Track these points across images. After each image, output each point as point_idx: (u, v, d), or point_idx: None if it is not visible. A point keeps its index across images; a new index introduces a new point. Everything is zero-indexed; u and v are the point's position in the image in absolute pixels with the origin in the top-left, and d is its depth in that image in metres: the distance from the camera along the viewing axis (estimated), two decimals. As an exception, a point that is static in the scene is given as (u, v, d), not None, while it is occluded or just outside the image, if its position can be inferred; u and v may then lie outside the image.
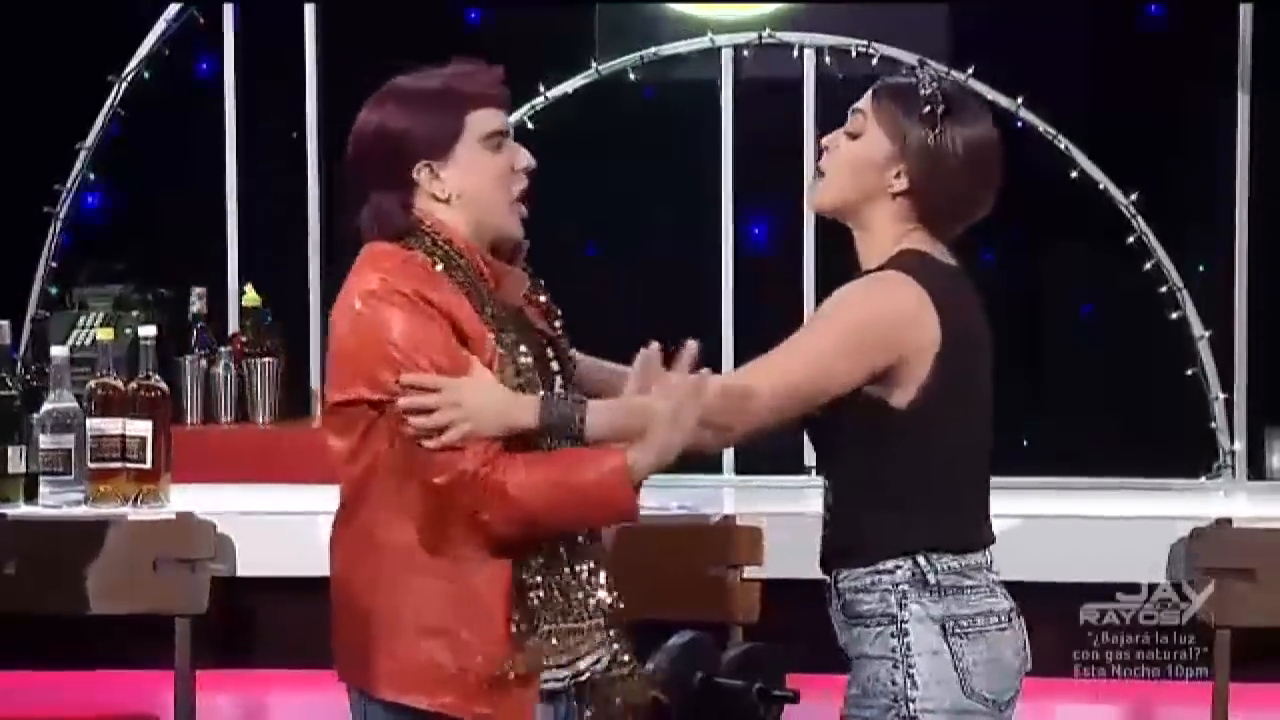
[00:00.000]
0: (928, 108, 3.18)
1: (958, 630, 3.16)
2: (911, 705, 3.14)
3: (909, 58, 5.31)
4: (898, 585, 3.17)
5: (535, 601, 3.13)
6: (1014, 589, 3.28)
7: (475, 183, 3.19)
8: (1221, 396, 5.30)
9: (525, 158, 3.24)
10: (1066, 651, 4.27)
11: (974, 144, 3.20)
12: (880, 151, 3.21)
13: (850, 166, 3.23)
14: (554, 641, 3.15)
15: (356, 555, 3.18)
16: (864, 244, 3.27)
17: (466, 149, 3.19)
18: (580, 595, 3.20)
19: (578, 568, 3.20)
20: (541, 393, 3.15)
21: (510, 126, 3.26)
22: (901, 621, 3.16)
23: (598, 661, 3.22)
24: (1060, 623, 4.27)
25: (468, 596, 3.12)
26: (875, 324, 3.15)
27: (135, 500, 4.44)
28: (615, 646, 3.23)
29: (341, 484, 3.21)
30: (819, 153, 3.30)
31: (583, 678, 3.20)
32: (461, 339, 3.12)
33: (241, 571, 4.31)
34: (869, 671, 3.18)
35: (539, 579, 3.14)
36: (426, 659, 3.11)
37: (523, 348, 3.18)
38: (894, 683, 3.15)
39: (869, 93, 3.25)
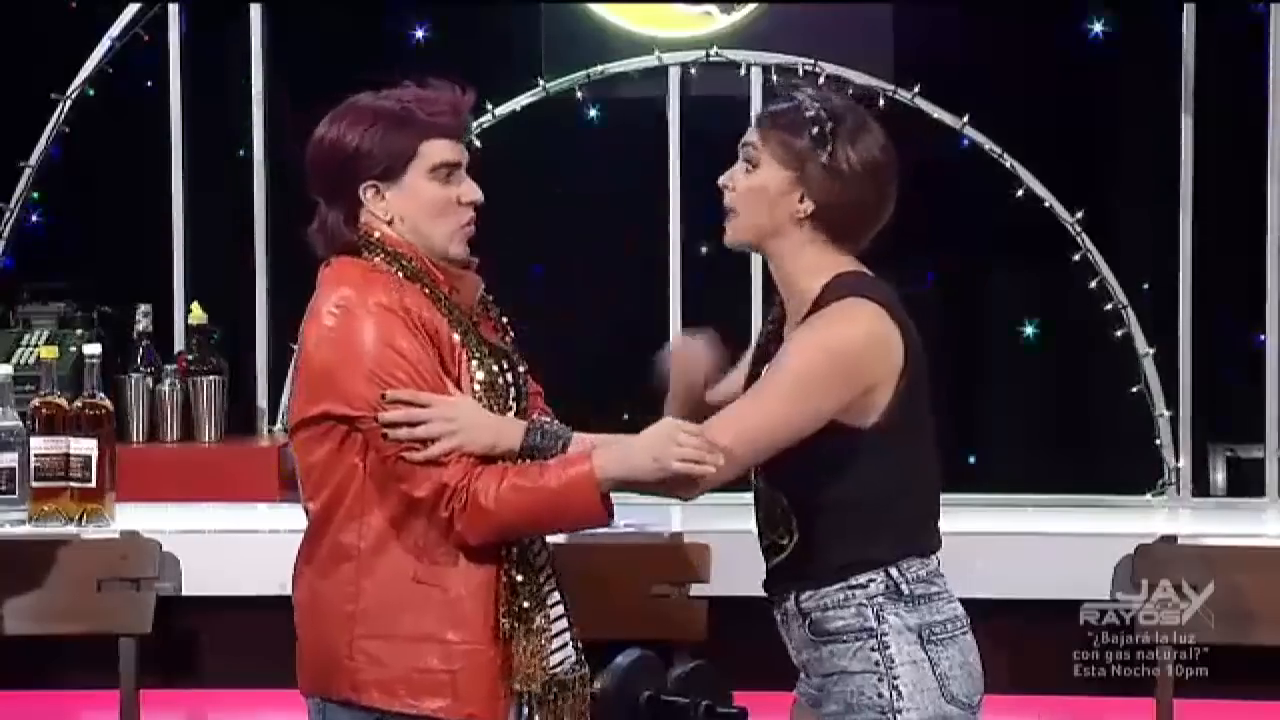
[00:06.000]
0: (816, 129, 3.18)
1: (933, 638, 3.19)
2: (899, 716, 3.16)
3: (855, 76, 5.33)
4: (873, 598, 3.19)
5: (525, 603, 3.15)
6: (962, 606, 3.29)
7: (417, 210, 3.20)
8: (1166, 414, 5.32)
9: (472, 191, 3.24)
10: (1014, 668, 4.29)
11: (867, 154, 3.20)
12: (778, 180, 3.21)
13: (753, 198, 3.23)
14: (540, 640, 3.17)
15: (332, 568, 3.17)
16: (781, 270, 3.27)
17: (415, 176, 3.19)
18: (555, 596, 3.23)
19: (545, 572, 3.23)
20: (531, 418, 3.19)
21: (465, 157, 3.24)
22: (881, 634, 3.18)
23: (564, 661, 3.23)
24: (1008, 639, 4.28)
25: (451, 600, 3.13)
26: (851, 357, 3.15)
27: (79, 519, 4.41)
28: (578, 645, 3.27)
29: (309, 500, 3.20)
30: (718, 191, 3.29)
31: (554, 673, 3.21)
32: (435, 346, 3.13)
33: (187, 591, 4.29)
34: (851, 686, 3.20)
35: (523, 577, 3.16)
36: (415, 665, 3.12)
37: (481, 353, 3.19)
38: (880, 695, 3.17)
39: (754, 123, 3.26)
